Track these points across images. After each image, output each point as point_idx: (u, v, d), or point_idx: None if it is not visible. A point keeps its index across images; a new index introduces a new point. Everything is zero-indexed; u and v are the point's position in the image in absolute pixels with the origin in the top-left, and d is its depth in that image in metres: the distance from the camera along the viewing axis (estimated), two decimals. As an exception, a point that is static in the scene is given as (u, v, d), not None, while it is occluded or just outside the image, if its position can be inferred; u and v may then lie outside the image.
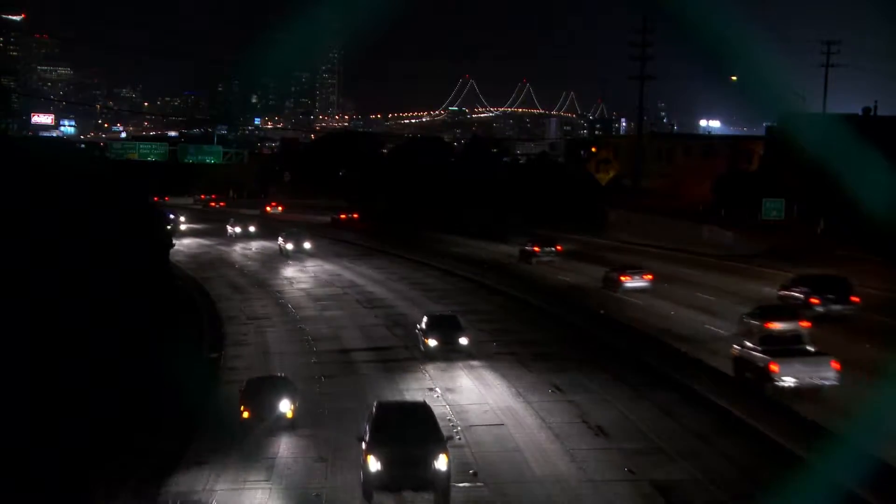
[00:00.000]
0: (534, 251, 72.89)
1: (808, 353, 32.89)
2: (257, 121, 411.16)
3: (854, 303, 45.28)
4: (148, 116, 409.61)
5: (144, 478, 25.38)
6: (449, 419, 31.46)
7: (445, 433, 25.54)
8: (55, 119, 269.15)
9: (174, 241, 71.98)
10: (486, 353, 41.26)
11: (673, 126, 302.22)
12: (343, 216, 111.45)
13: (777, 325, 37.21)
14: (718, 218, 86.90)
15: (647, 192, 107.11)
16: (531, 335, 45.84)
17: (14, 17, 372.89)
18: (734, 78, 76.77)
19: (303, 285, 64.15)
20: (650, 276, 57.30)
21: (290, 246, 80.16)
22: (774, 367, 31.83)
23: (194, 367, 38.70)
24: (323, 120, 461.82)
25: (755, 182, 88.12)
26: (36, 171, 38.11)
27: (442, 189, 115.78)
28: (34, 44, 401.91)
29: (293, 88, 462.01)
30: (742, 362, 34.06)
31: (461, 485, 25.24)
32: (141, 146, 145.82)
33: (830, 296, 44.88)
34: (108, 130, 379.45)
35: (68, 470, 24.43)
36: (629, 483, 25.29)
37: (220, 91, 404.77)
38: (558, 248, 74.22)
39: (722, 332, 42.75)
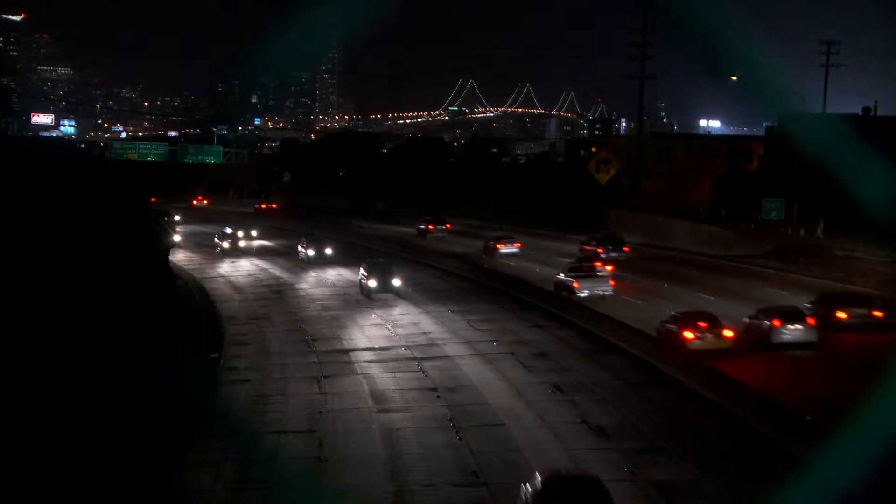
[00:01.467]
0: (428, 229, 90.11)
1: (597, 276, 53.51)
2: (257, 121, 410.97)
3: (625, 252, 68.91)
4: (148, 116, 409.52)
5: (144, 478, 25.37)
6: (449, 419, 31.60)
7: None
8: (55, 119, 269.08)
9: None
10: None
11: (673, 126, 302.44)
12: (264, 206, 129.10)
13: (583, 265, 56.27)
14: (718, 218, 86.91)
15: (646, 192, 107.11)
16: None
17: (14, 17, 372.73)
18: (734, 78, 76.70)
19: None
20: (519, 245, 74.93)
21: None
22: (576, 285, 52.42)
23: (194, 366, 38.75)
24: (323, 120, 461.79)
25: (755, 182, 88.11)
26: (36, 170, 38.13)
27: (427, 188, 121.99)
28: (34, 44, 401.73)
29: (293, 88, 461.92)
30: (559, 285, 54.27)
31: (461, 485, 25.29)
32: (141, 146, 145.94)
33: (610, 247, 68.76)
34: (108, 130, 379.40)
35: (68, 470, 24.43)
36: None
37: (220, 91, 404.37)
38: (447, 226, 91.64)
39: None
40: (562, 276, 54.65)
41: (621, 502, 22.18)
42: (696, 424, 30.47)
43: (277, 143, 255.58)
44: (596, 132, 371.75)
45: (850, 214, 52.81)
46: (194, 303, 57.04)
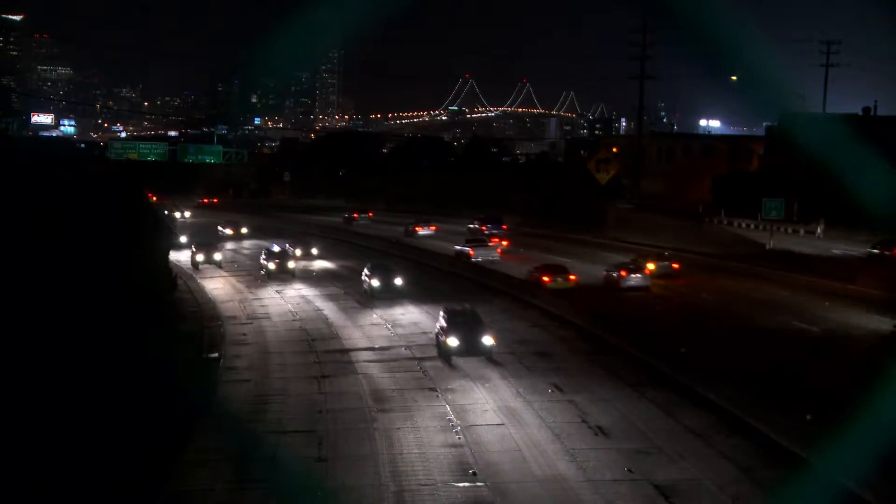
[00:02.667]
0: (353, 217, 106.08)
1: (487, 246, 71.51)
2: (257, 121, 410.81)
3: (504, 229, 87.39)
4: (148, 116, 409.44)
5: (144, 478, 25.38)
6: (449, 419, 31.60)
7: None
8: (55, 119, 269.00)
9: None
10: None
11: (673, 126, 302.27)
12: (206, 200, 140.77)
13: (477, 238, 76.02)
14: (718, 218, 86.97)
15: (646, 192, 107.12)
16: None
17: (14, 17, 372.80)
18: (734, 78, 76.65)
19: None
20: (434, 227, 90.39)
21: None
22: (472, 252, 69.19)
23: (194, 366, 38.76)
24: (323, 120, 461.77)
25: (755, 182, 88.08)
26: (35, 170, 38.12)
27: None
28: (34, 44, 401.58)
29: (293, 88, 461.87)
30: (459, 253, 70.53)
31: (461, 485, 25.28)
32: (141, 146, 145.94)
33: (490, 225, 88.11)
34: (108, 130, 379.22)
35: (68, 470, 24.43)
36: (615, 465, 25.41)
37: (220, 91, 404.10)
38: (370, 214, 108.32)
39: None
40: (459, 246, 72.19)
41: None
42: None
43: (277, 143, 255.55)
44: (596, 132, 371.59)
45: (850, 214, 52.84)
46: (195, 302, 57.10)
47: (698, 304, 52.02)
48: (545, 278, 56.41)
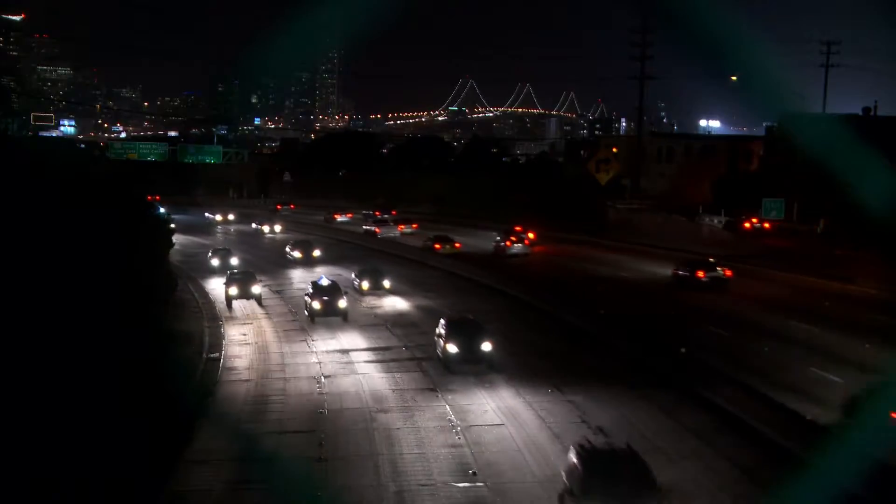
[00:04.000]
0: (333, 217, 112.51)
1: (389, 225, 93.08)
2: (257, 121, 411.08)
3: (393, 214, 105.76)
4: (148, 116, 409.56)
5: (144, 478, 25.38)
6: (449, 419, 31.60)
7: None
8: (55, 119, 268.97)
9: None
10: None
11: (673, 126, 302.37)
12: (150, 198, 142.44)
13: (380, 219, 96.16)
14: (699, 216, 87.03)
15: (646, 192, 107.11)
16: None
17: (14, 17, 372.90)
18: (734, 78, 76.63)
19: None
20: (402, 227, 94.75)
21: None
22: (378, 230, 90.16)
23: (194, 367, 38.77)
24: (323, 120, 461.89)
25: (755, 182, 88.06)
26: (36, 170, 38.12)
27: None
28: (34, 44, 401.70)
29: (293, 88, 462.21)
30: (367, 231, 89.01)
31: (461, 485, 25.28)
32: (141, 146, 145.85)
33: (383, 212, 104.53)
34: (108, 130, 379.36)
35: (68, 471, 24.44)
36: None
37: (220, 91, 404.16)
38: (349, 215, 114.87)
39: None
40: (366, 227, 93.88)
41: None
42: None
43: (277, 143, 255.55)
44: (596, 132, 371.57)
45: (850, 214, 52.80)
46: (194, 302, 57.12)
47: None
48: (437, 245, 75.88)
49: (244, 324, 50.46)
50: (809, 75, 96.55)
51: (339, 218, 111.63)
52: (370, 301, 55.66)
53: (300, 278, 65.13)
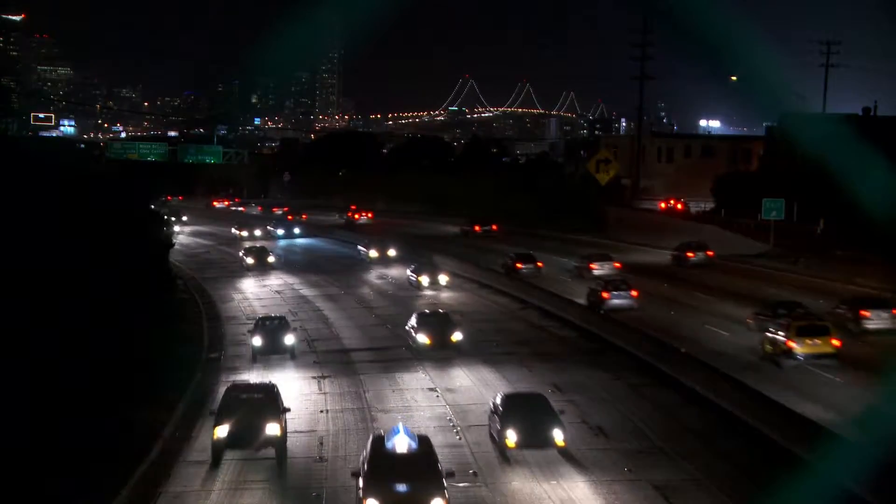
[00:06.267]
0: (302, 218, 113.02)
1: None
2: (257, 121, 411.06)
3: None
4: (148, 116, 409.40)
5: (144, 477, 25.37)
6: (449, 419, 31.59)
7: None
8: (55, 119, 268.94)
9: None
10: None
11: (673, 126, 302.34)
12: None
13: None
14: (718, 218, 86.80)
15: (646, 192, 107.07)
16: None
17: (14, 17, 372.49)
18: (734, 78, 76.66)
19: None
20: (370, 214, 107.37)
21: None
22: (304, 216, 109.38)
23: (193, 366, 38.74)
24: (323, 120, 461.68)
25: (755, 182, 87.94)
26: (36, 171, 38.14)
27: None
28: (34, 44, 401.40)
29: (293, 88, 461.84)
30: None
31: (461, 485, 25.25)
32: (141, 146, 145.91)
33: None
34: (108, 130, 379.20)
35: (67, 470, 24.44)
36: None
37: (220, 91, 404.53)
38: (304, 216, 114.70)
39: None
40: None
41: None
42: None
43: (277, 143, 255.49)
44: (596, 132, 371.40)
45: (850, 214, 52.78)
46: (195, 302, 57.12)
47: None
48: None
49: (244, 323, 50.30)
50: (809, 75, 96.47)
51: (360, 219, 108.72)
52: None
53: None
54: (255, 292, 62.14)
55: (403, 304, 53.79)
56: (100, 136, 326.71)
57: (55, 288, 30.93)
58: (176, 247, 77.45)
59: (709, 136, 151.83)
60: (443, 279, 60.07)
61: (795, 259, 66.16)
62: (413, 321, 42.78)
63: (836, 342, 36.75)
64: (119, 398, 29.91)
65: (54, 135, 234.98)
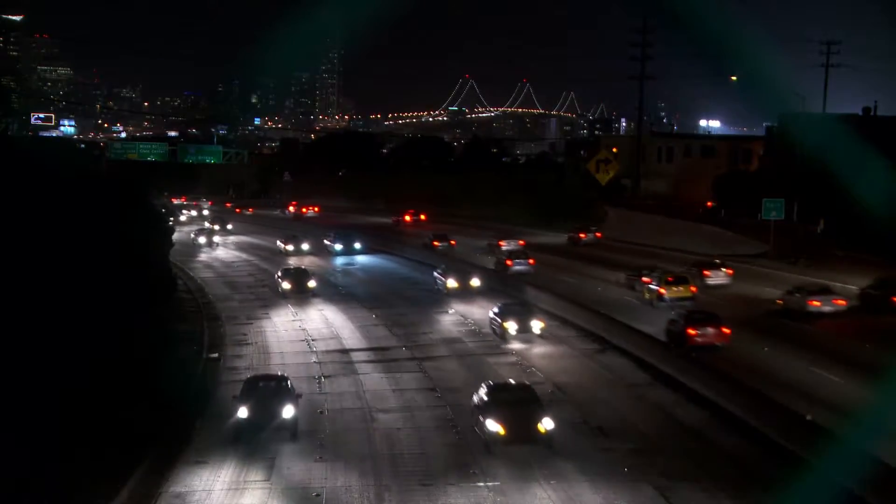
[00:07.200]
0: (301, 212, 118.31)
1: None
2: (257, 121, 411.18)
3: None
4: (148, 116, 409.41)
5: (144, 477, 25.38)
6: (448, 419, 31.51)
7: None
8: (55, 119, 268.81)
9: None
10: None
11: (673, 126, 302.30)
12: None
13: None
14: (718, 218, 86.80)
15: (646, 192, 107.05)
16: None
17: (14, 17, 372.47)
18: (734, 78, 76.76)
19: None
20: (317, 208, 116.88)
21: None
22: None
23: (194, 367, 38.75)
24: (323, 120, 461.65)
25: (755, 182, 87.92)
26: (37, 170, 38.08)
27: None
28: (34, 44, 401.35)
29: (293, 88, 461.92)
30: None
31: (461, 484, 25.27)
32: (141, 146, 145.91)
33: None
34: (108, 130, 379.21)
35: (67, 470, 24.44)
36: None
37: (220, 91, 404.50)
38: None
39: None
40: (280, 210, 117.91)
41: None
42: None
43: (277, 143, 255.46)
44: (596, 132, 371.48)
45: (851, 214, 52.80)
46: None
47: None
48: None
49: (244, 323, 50.36)
50: (809, 75, 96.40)
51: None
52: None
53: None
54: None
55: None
56: (100, 136, 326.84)
57: (55, 288, 30.90)
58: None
59: (709, 136, 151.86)
60: (536, 326, 44.10)
61: (795, 259, 66.16)
62: (482, 393, 29.60)
63: (693, 289, 50.49)
64: (119, 398, 29.89)
65: (54, 135, 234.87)
